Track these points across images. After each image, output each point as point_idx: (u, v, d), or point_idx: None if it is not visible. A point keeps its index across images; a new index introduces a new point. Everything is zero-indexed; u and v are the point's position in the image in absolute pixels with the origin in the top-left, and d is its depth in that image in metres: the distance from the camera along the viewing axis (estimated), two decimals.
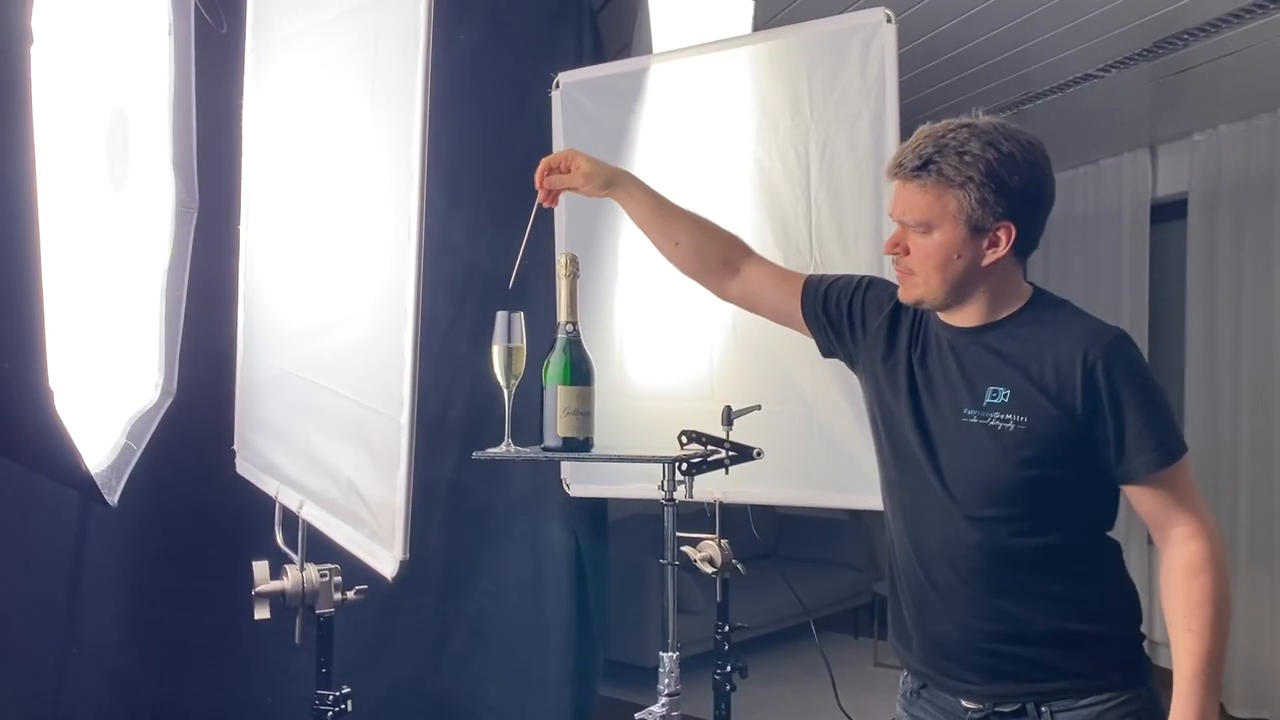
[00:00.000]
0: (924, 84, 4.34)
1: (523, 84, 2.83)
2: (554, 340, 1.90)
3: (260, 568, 1.85)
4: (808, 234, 2.35)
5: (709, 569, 2.41)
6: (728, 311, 2.44)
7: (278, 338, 2.01)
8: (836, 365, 2.31)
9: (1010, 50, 3.96)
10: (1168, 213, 4.99)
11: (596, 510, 3.27)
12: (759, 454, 2.02)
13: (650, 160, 2.57)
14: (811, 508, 5.03)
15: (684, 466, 1.93)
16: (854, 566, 5.88)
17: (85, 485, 1.56)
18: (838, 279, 1.87)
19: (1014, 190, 1.54)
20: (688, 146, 2.52)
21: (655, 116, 2.55)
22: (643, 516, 4.46)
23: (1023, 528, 1.60)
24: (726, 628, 2.46)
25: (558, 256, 1.89)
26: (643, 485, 2.03)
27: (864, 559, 5.98)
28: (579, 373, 1.88)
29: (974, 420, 1.61)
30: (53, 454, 1.46)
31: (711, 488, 2.37)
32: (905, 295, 1.67)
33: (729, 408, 2.09)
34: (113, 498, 1.70)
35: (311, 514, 1.83)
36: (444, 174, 2.89)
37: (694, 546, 2.44)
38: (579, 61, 3.06)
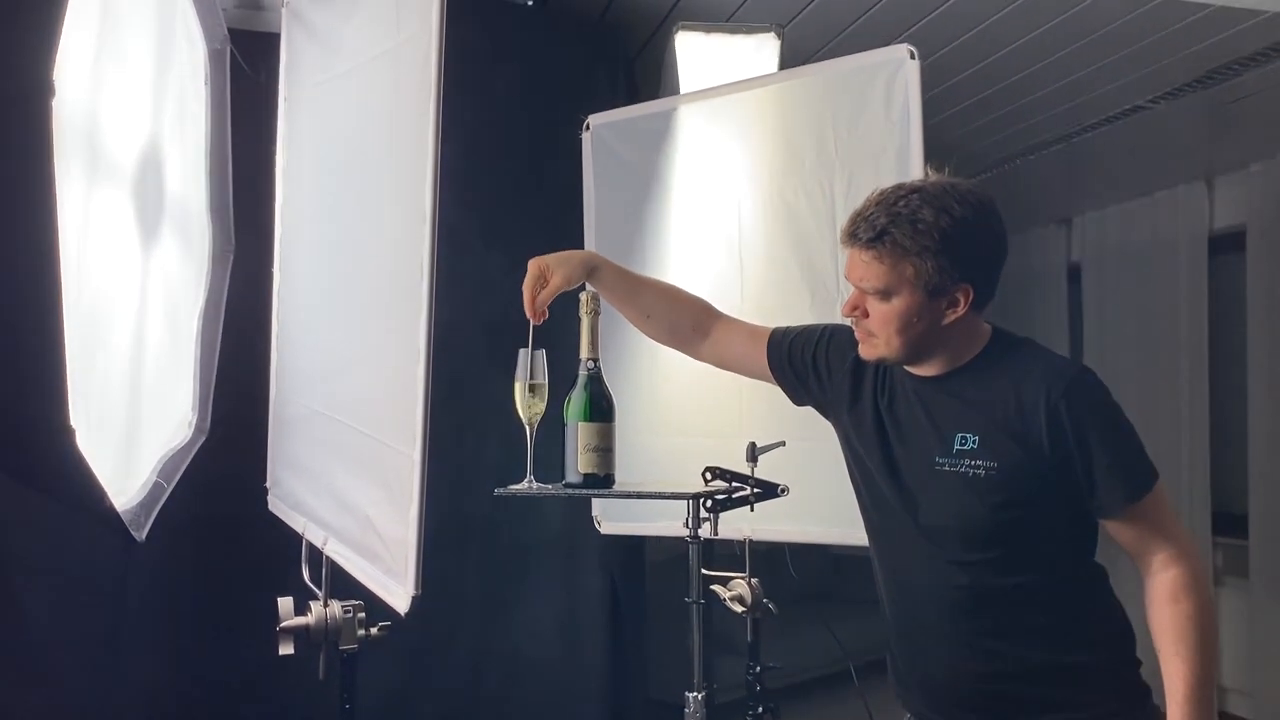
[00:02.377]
0: (972, 118, 4.33)
1: (559, 128, 2.88)
2: (575, 377, 1.92)
3: (285, 603, 1.88)
4: (834, 269, 2.34)
5: (739, 608, 2.39)
6: None
7: (305, 377, 2.05)
8: None
9: (1058, 83, 3.93)
10: (1226, 245, 4.86)
11: (632, 549, 3.26)
12: (784, 491, 2.01)
13: (677, 198, 2.59)
14: (865, 547, 4.96)
15: (708, 503, 1.92)
16: None
17: (110, 520, 1.61)
18: (802, 331, 1.89)
19: (970, 254, 1.55)
20: (714, 184, 2.53)
21: (683, 155, 2.57)
22: (687, 558, 4.43)
23: (1005, 567, 1.61)
24: (758, 668, 2.44)
25: (580, 294, 1.90)
26: (672, 523, 2.02)
27: None
28: (599, 409, 1.89)
29: (946, 468, 1.61)
30: (77, 489, 1.51)
31: (741, 525, 2.35)
32: (866, 354, 1.67)
33: (753, 444, 2.08)
34: (140, 533, 1.74)
35: (335, 550, 1.86)
36: (481, 215, 2.98)
37: (724, 585, 2.42)
38: (614, 105, 3.10)
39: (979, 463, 1.58)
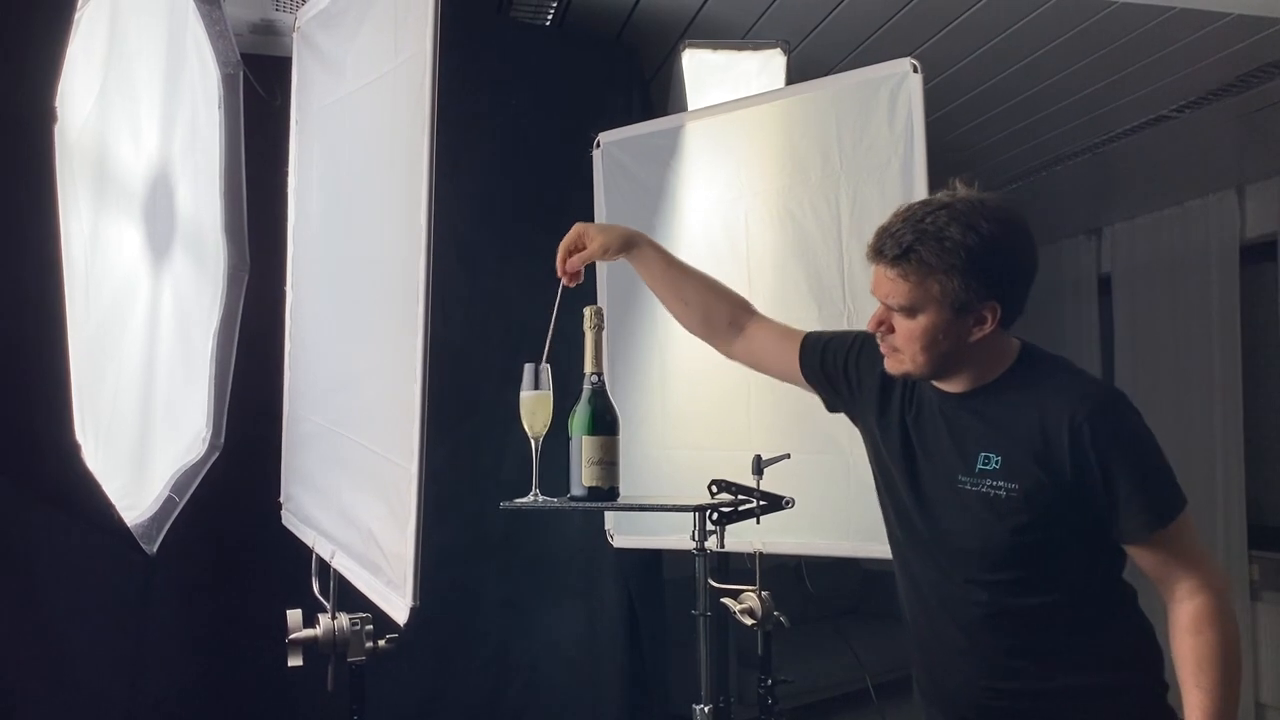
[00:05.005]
0: (995, 130, 4.31)
1: (576, 146, 2.91)
2: (579, 391, 1.93)
3: (293, 616, 1.91)
4: (840, 282, 2.36)
5: (749, 621, 2.39)
6: None
7: (316, 393, 2.09)
8: None
9: (1081, 93, 3.90)
10: (1258, 254, 4.80)
11: (650, 563, 3.27)
12: (789, 503, 2.01)
13: (685, 213, 2.61)
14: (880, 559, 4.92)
15: (714, 516, 1.93)
16: None
17: (120, 534, 1.65)
18: (835, 336, 1.88)
19: (997, 272, 1.53)
20: (722, 199, 2.55)
21: (690, 170, 2.60)
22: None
23: (1026, 588, 1.58)
24: (769, 681, 2.44)
25: (585, 309, 1.92)
26: (682, 536, 2.04)
27: None
28: (603, 423, 1.90)
29: (968, 487, 1.59)
30: (85, 504, 1.55)
31: (751, 538, 2.36)
32: (892, 369, 1.66)
33: (759, 456, 2.09)
34: (151, 547, 1.78)
35: (342, 564, 1.89)
36: (499, 233, 3.01)
37: (735, 598, 2.42)
38: (631, 124, 3.12)
39: (1000, 483, 1.56)
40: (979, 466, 1.58)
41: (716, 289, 1.97)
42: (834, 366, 1.84)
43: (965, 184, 1.59)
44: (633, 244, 1.92)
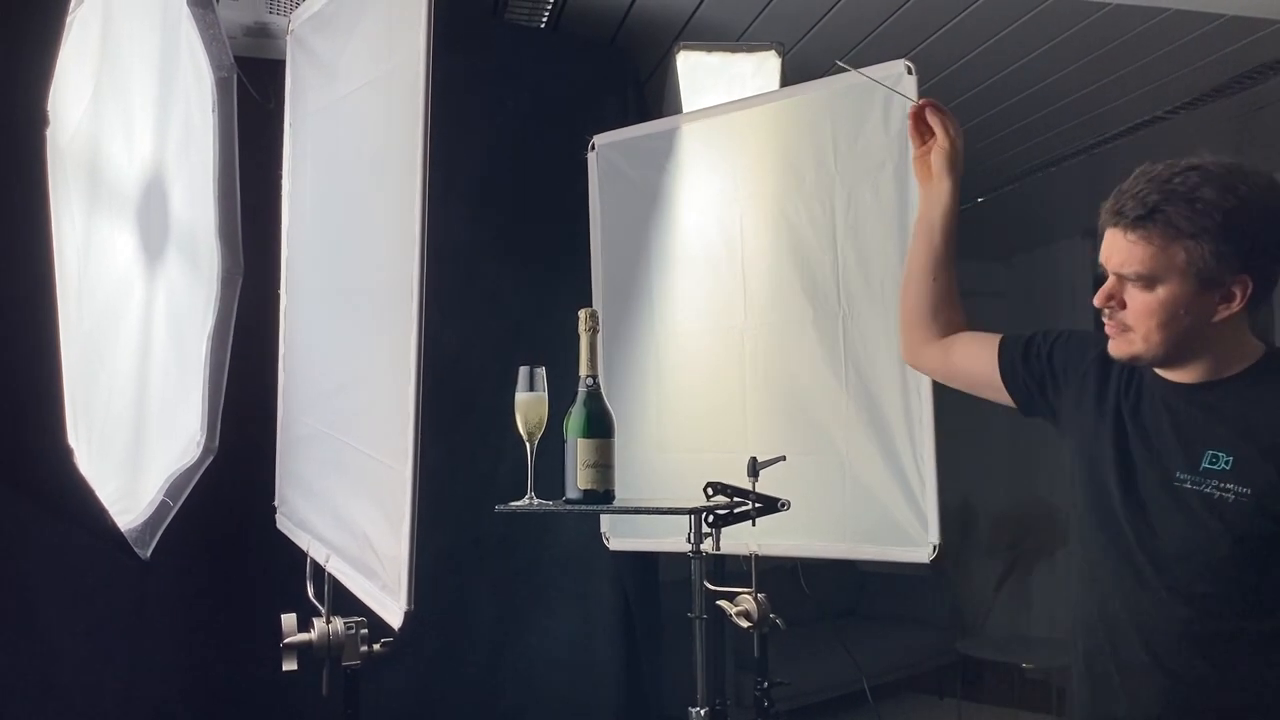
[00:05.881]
0: (988, 133, 4.32)
1: (572, 149, 2.91)
2: (575, 394, 1.93)
3: (288, 620, 1.91)
4: (835, 284, 2.35)
5: (745, 623, 2.39)
6: (760, 363, 2.46)
7: (310, 396, 2.09)
8: (870, 417, 2.31)
9: (1074, 95, 3.91)
10: None
11: (647, 566, 3.27)
12: (784, 505, 2.01)
13: (681, 215, 2.61)
14: (889, 563, 4.91)
15: (710, 518, 1.93)
16: (937, 625, 5.72)
17: (113, 538, 1.64)
18: (1034, 334, 1.74)
19: (1253, 241, 1.37)
20: (717, 201, 2.55)
21: (685, 173, 2.60)
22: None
23: (1234, 609, 1.45)
24: (765, 684, 2.43)
25: (579, 312, 1.92)
26: (678, 539, 2.05)
27: (946, 616, 5.82)
28: (598, 426, 1.90)
29: (1188, 486, 1.45)
30: (78, 509, 1.54)
31: (747, 540, 2.36)
32: (1118, 351, 1.50)
33: (754, 459, 2.09)
34: (145, 551, 1.78)
35: (336, 568, 1.89)
36: (495, 235, 3.00)
37: (731, 600, 2.42)
38: (623, 126, 3.12)
39: (1229, 486, 1.40)
40: (1204, 465, 1.43)
41: (956, 294, 1.87)
42: (1038, 359, 1.69)
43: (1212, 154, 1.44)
44: (951, 173, 1.83)
